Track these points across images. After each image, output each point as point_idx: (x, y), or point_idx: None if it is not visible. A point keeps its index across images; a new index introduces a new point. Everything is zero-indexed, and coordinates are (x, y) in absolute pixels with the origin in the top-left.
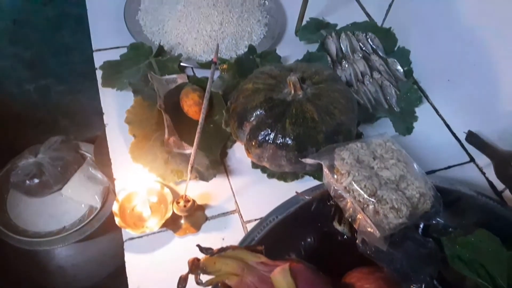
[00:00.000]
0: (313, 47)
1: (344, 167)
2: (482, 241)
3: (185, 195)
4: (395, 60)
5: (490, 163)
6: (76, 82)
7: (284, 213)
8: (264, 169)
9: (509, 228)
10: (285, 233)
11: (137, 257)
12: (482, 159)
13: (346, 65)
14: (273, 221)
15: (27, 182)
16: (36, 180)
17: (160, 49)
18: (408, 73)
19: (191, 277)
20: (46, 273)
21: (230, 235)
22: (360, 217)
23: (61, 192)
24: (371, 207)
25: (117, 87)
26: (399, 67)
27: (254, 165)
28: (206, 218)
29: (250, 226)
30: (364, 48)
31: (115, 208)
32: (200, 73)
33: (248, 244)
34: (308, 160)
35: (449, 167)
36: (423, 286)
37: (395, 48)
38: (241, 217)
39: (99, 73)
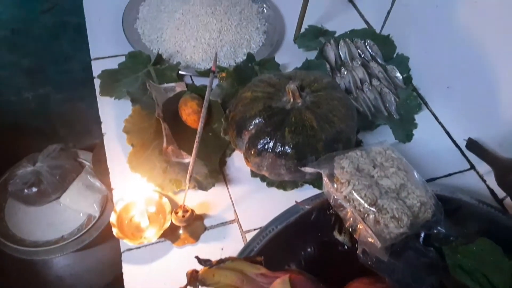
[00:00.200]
0: (312, 55)
1: (344, 176)
2: (484, 250)
3: (184, 205)
4: (394, 67)
5: (490, 170)
6: (74, 90)
7: (283, 223)
8: (263, 178)
9: (511, 237)
10: (285, 243)
11: (135, 269)
12: (483, 166)
13: (345, 73)
14: (272, 231)
15: (25, 190)
16: (34, 189)
17: (159, 58)
18: (407, 80)
19: None
20: (44, 283)
21: (229, 245)
22: (360, 227)
23: (60, 201)
24: (371, 216)
25: (115, 96)
26: (398, 74)
27: (253, 174)
28: (205, 228)
29: (249, 236)
30: (363, 55)
31: (112, 218)
32: (199, 81)
33: (248, 255)
34: (308, 169)
35: (450, 174)
36: None
37: (394, 55)
38: (240, 226)
39: (97, 82)
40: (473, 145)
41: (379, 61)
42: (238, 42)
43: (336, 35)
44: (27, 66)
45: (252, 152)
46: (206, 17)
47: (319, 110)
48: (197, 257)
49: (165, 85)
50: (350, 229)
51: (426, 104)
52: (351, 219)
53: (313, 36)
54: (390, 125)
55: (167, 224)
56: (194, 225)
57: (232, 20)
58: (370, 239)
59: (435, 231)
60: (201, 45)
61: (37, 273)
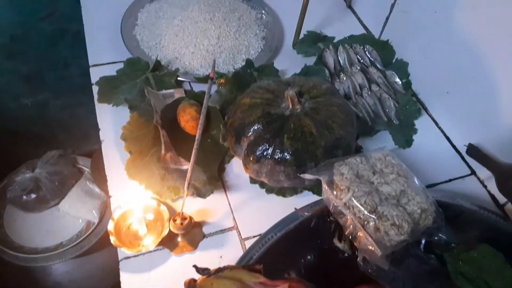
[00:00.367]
0: (311, 60)
1: (344, 183)
2: (485, 256)
3: (182, 213)
4: (393, 72)
5: (491, 175)
6: (73, 96)
7: (283, 230)
8: (262, 184)
9: None
10: (284, 250)
11: (133, 277)
12: (483, 172)
13: (344, 78)
14: (272, 239)
15: (24, 197)
16: (33, 195)
17: (157, 64)
18: (407, 85)
19: None
20: None
21: (228, 252)
22: (360, 234)
23: (58, 207)
24: (371, 223)
25: (113, 103)
26: (397, 80)
27: (252, 181)
28: (204, 236)
29: (248, 243)
30: (362, 61)
31: (110, 227)
32: (198, 87)
33: (247, 262)
34: (307, 176)
35: (450, 180)
36: None
37: (393, 60)
38: (239, 234)
39: (95, 89)
40: (474, 151)
41: (378, 66)
42: (237, 48)
43: (335, 40)
44: (26, 73)
45: (251, 159)
46: (204, 24)
47: (318, 116)
48: (195, 266)
49: (164, 91)
50: (350, 237)
51: (425, 109)
52: (351, 226)
53: (312, 42)
54: (389, 130)
55: (165, 232)
56: (192, 233)
57: (230, 26)
58: (370, 247)
59: (436, 238)
60: (199, 51)
61: (36, 280)
